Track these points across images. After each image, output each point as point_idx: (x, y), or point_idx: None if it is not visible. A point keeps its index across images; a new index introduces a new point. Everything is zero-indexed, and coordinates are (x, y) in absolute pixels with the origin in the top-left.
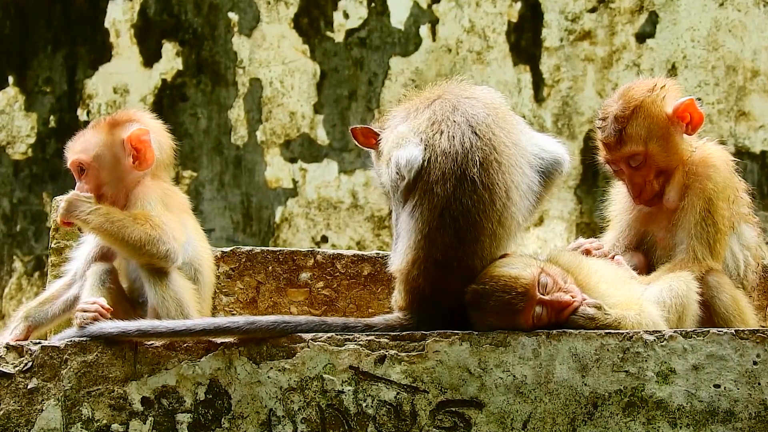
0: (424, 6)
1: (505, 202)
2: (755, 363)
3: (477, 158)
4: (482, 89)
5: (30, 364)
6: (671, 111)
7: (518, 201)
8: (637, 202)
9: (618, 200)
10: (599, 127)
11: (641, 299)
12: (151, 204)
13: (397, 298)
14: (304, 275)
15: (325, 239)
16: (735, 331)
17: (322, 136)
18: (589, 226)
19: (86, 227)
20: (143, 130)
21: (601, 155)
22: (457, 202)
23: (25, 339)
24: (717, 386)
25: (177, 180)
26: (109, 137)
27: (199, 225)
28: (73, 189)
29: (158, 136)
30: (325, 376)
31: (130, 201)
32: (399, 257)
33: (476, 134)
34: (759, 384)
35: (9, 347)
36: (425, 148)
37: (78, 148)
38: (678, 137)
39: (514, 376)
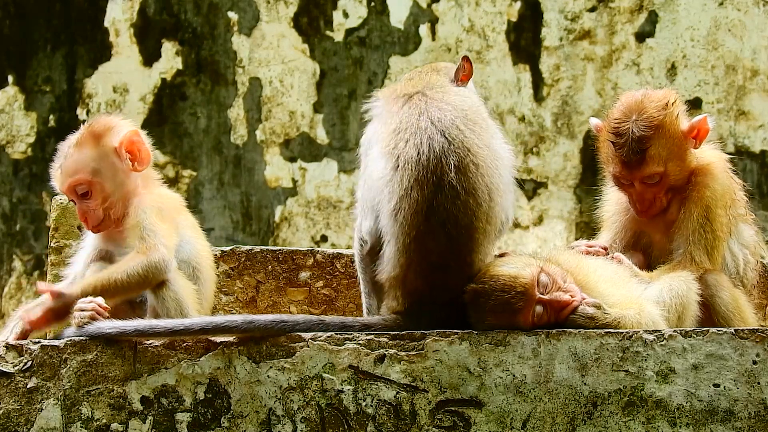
0: (424, 5)
1: (490, 204)
2: (755, 362)
3: (452, 162)
4: (456, 90)
5: (29, 363)
6: (687, 129)
7: (500, 201)
8: (642, 216)
9: (613, 200)
10: (614, 143)
11: (641, 299)
12: (146, 212)
13: (392, 304)
14: (304, 274)
15: (324, 238)
16: (734, 330)
17: (321, 136)
18: (589, 225)
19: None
20: (133, 131)
21: (613, 170)
22: (440, 208)
23: (24, 338)
24: (716, 386)
25: (177, 179)
26: (100, 149)
27: (196, 223)
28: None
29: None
30: (324, 375)
31: (129, 213)
32: (389, 263)
33: (446, 138)
34: (758, 383)
35: (9, 346)
36: (388, 158)
37: (71, 170)
38: (689, 153)
39: (514, 375)
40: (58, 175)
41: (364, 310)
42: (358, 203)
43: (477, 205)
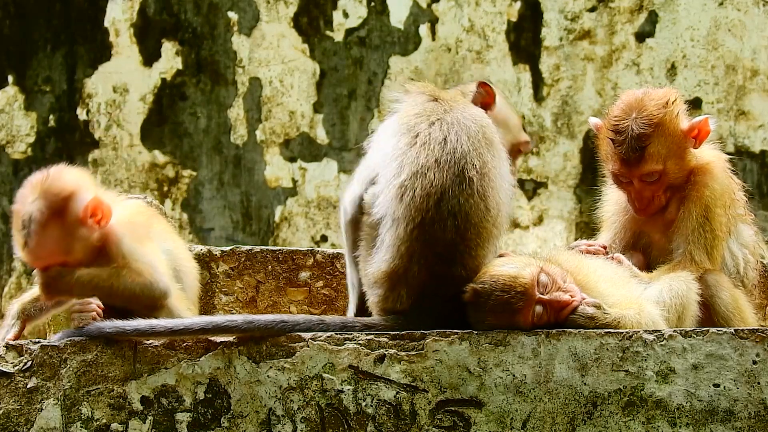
0: (424, 5)
1: (497, 214)
2: (755, 362)
3: (475, 163)
4: (477, 109)
5: (29, 363)
6: (686, 128)
7: (503, 216)
8: (641, 214)
9: (612, 200)
10: (614, 141)
11: (641, 298)
12: (124, 243)
13: (393, 304)
14: (304, 274)
15: (324, 238)
16: (734, 330)
17: (321, 136)
18: (589, 225)
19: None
20: (94, 197)
21: (612, 167)
22: (453, 199)
23: (21, 332)
24: (716, 386)
25: (177, 179)
26: (67, 227)
27: (165, 221)
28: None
29: (90, 185)
30: (324, 375)
31: (107, 249)
32: (389, 252)
33: (471, 142)
34: (758, 383)
35: (9, 346)
36: (404, 135)
37: (42, 254)
38: (688, 152)
39: (514, 375)
40: (25, 255)
41: (348, 283)
42: (352, 180)
43: (487, 210)
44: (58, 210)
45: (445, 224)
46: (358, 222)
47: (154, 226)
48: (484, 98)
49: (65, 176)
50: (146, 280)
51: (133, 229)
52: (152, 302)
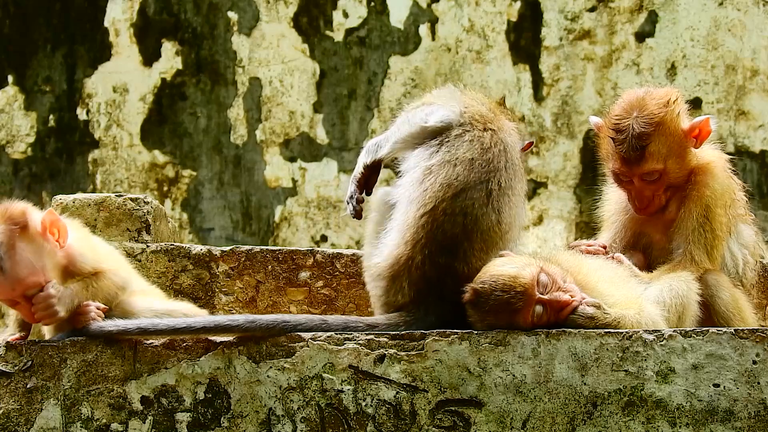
0: (424, 5)
1: (509, 229)
2: (755, 362)
3: (501, 180)
4: (519, 147)
5: (29, 363)
6: (687, 127)
7: (511, 238)
8: (641, 213)
9: (613, 200)
10: (614, 140)
11: (641, 299)
12: (87, 256)
13: (396, 298)
14: (304, 274)
15: (324, 238)
16: (734, 330)
17: (321, 135)
18: (589, 225)
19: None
20: (49, 212)
21: (613, 166)
22: (470, 200)
23: (26, 336)
24: (716, 385)
25: (177, 179)
26: (33, 238)
27: (94, 238)
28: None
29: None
30: (324, 375)
31: (71, 270)
32: (394, 239)
33: (507, 163)
34: (758, 383)
35: (9, 346)
36: (462, 124)
37: (25, 273)
38: (689, 152)
39: (514, 375)
40: (4, 283)
41: (377, 143)
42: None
43: (498, 223)
44: (22, 225)
45: (455, 219)
46: (430, 132)
47: (93, 239)
48: (523, 148)
49: (14, 204)
50: (122, 276)
51: (83, 240)
52: (121, 298)
